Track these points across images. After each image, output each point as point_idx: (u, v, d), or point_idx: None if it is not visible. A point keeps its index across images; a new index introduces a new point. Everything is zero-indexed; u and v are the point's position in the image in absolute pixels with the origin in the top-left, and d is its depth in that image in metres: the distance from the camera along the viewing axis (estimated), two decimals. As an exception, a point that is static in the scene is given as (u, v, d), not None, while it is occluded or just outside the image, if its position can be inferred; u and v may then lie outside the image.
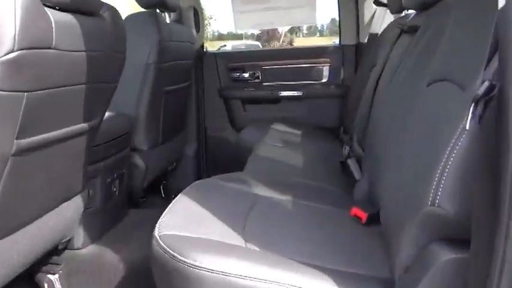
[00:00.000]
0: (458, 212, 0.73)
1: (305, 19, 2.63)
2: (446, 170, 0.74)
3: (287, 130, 2.42)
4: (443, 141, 0.78)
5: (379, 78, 1.70)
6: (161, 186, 2.50)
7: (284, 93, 2.65)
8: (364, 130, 1.67)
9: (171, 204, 1.13)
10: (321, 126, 2.61)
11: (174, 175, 2.58)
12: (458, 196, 0.73)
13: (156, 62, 1.94)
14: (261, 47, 13.51)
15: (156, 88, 1.98)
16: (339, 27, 2.65)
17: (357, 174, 1.58)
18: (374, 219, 1.17)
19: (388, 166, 1.16)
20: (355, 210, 1.22)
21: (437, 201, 0.75)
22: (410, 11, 2.03)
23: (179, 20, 2.48)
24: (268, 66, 2.70)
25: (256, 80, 2.72)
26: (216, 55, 2.75)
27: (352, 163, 1.61)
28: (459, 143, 0.73)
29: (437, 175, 0.75)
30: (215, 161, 2.75)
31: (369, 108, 1.72)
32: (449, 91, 0.91)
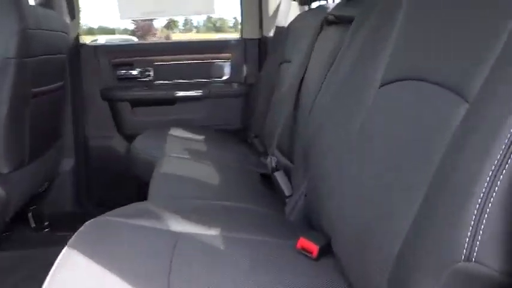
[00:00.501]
0: (508, 269, 0.52)
1: (202, 8, 2.34)
2: (487, 210, 0.52)
3: (187, 136, 2.11)
4: (466, 170, 0.56)
5: (303, 77, 1.49)
6: (30, 214, 2.00)
7: (181, 93, 2.32)
8: (290, 137, 1.45)
9: (54, 267, 0.76)
10: (223, 128, 2.35)
11: (46, 198, 2.09)
12: (506, 247, 0.52)
13: (19, 56, 1.47)
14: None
15: (20, 90, 1.51)
16: (241, 20, 2.40)
17: (286, 189, 1.35)
18: (325, 251, 0.96)
19: (338, 186, 0.94)
20: (303, 242, 0.98)
21: (474, 254, 0.53)
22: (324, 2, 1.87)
23: (47, 3, 1.99)
24: (161, 61, 2.34)
25: (148, 78, 2.34)
26: (96, 48, 2.29)
27: (280, 176, 1.37)
28: (502, 176, 0.52)
29: (474, 218, 0.53)
30: (100, 178, 2.31)
31: (292, 111, 1.50)
32: (435, 97, 0.71)
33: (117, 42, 2.59)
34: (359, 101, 0.95)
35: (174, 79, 2.36)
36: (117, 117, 2.32)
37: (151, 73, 2.33)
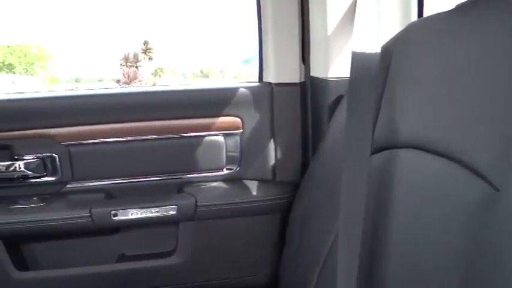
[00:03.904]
0: None
1: None
2: None
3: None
4: None
5: None
6: None
7: (130, 215, 0.96)
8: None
9: None
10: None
11: None
12: None
13: None
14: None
15: None
16: (259, 45, 1.07)
17: None
18: None
19: None
20: None
21: None
22: None
23: None
24: (79, 138, 0.98)
25: (47, 179, 0.98)
26: None
27: None
28: None
29: None
30: None
31: None
32: None
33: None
34: None
35: (109, 178, 1.00)
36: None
37: (57, 166, 0.97)
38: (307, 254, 0.82)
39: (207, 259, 1.00)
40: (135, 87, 1.19)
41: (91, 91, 1.03)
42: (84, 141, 0.97)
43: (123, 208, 0.94)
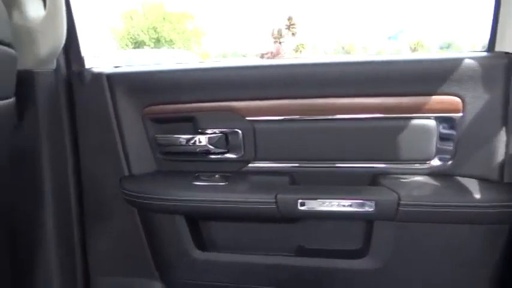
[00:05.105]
0: None
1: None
2: None
3: None
4: None
5: None
6: None
7: (319, 207, 0.81)
8: None
9: None
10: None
11: None
12: None
13: None
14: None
15: None
16: (495, 5, 0.82)
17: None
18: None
19: None
20: None
21: None
22: None
23: None
24: (266, 113, 0.87)
25: (229, 155, 0.89)
26: (109, 78, 0.89)
27: None
28: None
29: None
30: None
31: None
32: None
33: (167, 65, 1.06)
34: None
35: (292, 160, 0.87)
36: (160, 249, 0.91)
37: (241, 142, 0.87)
38: None
39: (407, 270, 0.81)
40: (327, 58, 1.04)
41: (277, 61, 0.90)
42: (270, 117, 0.85)
43: (312, 198, 0.80)
